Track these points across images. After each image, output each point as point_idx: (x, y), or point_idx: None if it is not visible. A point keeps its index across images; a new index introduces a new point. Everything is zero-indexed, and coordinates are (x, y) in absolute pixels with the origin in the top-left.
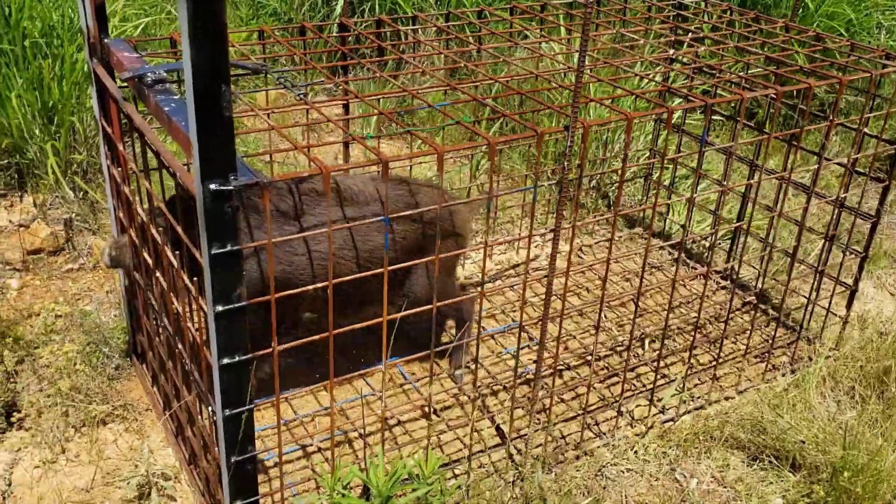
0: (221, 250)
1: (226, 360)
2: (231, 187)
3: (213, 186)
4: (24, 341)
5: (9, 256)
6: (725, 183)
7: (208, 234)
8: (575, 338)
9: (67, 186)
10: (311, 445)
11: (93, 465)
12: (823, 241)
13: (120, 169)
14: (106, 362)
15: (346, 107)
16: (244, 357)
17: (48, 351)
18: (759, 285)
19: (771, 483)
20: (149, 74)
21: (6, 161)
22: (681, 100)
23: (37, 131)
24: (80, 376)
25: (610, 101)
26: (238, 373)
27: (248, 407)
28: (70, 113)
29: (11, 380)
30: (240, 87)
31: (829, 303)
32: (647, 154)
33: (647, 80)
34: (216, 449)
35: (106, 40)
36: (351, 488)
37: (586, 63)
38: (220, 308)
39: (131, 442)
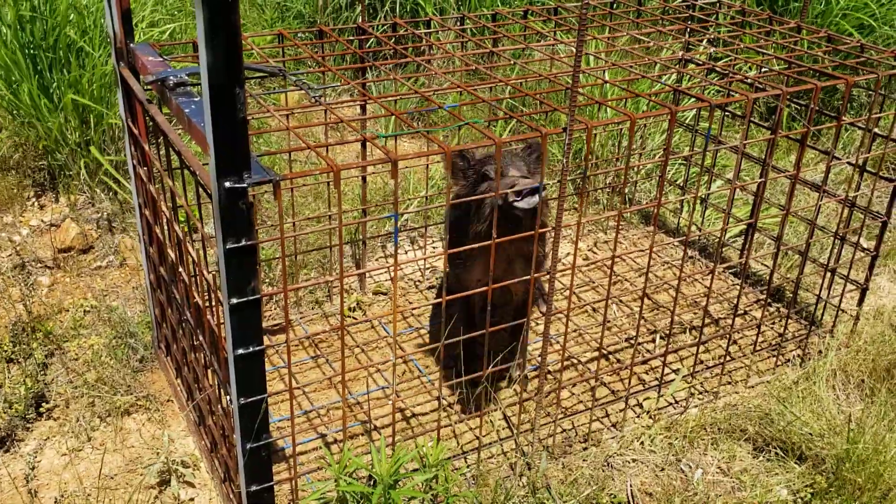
0: (236, 245)
1: (240, 351)
2: (245, 185)
3: (227, 184)
4: (54, 335)
5: (40, 255)
6: (734, 181)
7: (223, 230)
8: (588, 333)
9: (98, 187)
10: (328, 436)
11: (117, 453)
12: (833, 239)
13: (145, 168)
14: (131, 355)
15: (363, 108)
16: (258, 348)
17: (76, 344)
18: (771, 282)
19: (776, 474)
20: (171, 77)
21: (40, 163)
22: (692, 100)
23: (69, 134)
24: (106, 368)
25: (618, 102)
26: (252, 363)
27: (262, 396)
28: (101, 116)
29: (42, 372)
30: (265, 87)
31: (840, 300)
32: (662, 152)
33: (658, 83)
34: (234, 436)
35: (132, 45)
36: (360, 478)
37: (601, 65)
38: (234, 301)
39: (153, 431)
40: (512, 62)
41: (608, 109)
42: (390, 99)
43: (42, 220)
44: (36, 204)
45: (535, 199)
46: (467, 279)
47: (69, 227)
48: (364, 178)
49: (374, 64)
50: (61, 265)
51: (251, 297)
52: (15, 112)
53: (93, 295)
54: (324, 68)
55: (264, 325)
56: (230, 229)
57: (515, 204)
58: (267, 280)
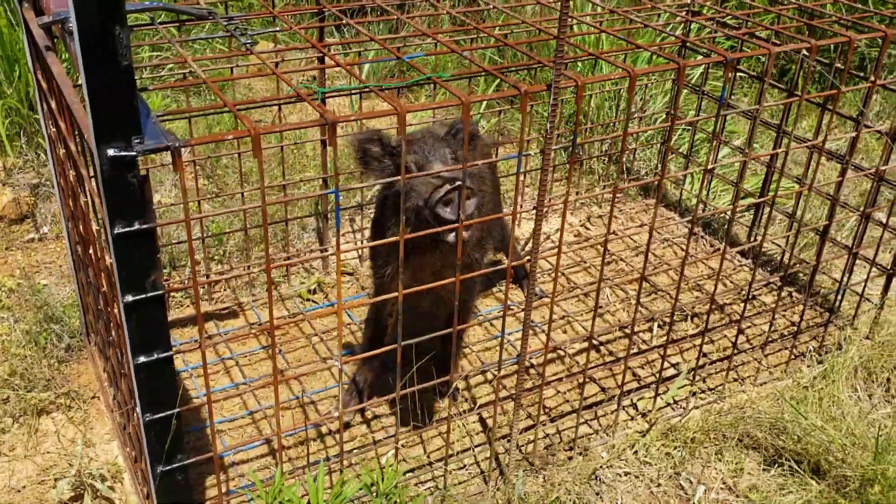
0: (127, 229)
1: (142, 359)
2: (134, 153)
3: (111, 152)
4: None
5: None
6: (748, 151)
7: (110, 211)
8: (577, 320)
9: (38, 148)
10: (273, 441)
11: (28, 459)
12: (859, 218)
13: (55, 129)
14: (55, 343)
15: (320, 59)
16: (164, 354)
17: None
18: (785, 265)
19: (790, 492)
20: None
21: None
22: (701, 56)
23: (7, 89)
24: (23, 360)
25: (616, 56)
26: (157, 373)
27: (172, 411)
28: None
29: None
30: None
31: (864, 286)
32: (664, 117)
33: (664, 34)
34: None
35: None
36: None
37: (594, 13)
38: (130, 298)
39: (73, 434)
40: (491, 6)
41: (604, 65)
42: (352, 51)
43: None
44: None
45: (471, 203)
46: (389, 292)
47: (0, 194)
48: (324, 143)
49: (329, 7)
50: None
51: (151, 294)
52: None
53: (21, 271)
54: (267, 12)
55: (212, 308)
56: (118, 210)
57: (441, 214)
58: (216, 258)
